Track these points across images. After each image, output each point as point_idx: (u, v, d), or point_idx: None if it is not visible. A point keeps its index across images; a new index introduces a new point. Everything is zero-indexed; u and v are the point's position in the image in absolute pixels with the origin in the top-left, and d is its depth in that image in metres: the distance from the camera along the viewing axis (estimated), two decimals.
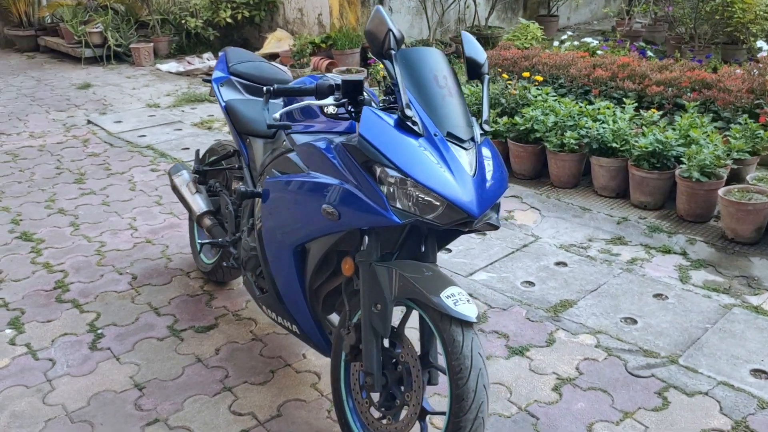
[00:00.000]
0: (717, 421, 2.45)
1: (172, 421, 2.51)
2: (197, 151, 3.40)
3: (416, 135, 1.95)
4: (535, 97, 4.76)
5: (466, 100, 2.67)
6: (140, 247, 3.85)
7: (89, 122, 6.31)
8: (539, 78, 4.96)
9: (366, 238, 2.12)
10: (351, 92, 2.15)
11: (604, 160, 4.15)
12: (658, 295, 3.23)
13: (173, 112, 6.58)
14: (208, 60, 8.48)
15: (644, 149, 3.93)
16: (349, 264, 2.21)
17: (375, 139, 1.94)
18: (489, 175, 2.02)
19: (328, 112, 2.18)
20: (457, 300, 1.96)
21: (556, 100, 4.71)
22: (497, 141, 4.56)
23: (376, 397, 2.21)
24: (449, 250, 3.69)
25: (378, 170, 1.95)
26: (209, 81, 3.17)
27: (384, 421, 2.17)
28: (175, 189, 3.22)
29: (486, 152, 2.08)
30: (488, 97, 2.19)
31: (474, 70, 2.20)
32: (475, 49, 2.20)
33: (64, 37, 8.82)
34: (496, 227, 2.11)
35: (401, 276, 2.02)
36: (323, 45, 7.65)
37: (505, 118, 4.56)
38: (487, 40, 8.12)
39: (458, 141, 1.98)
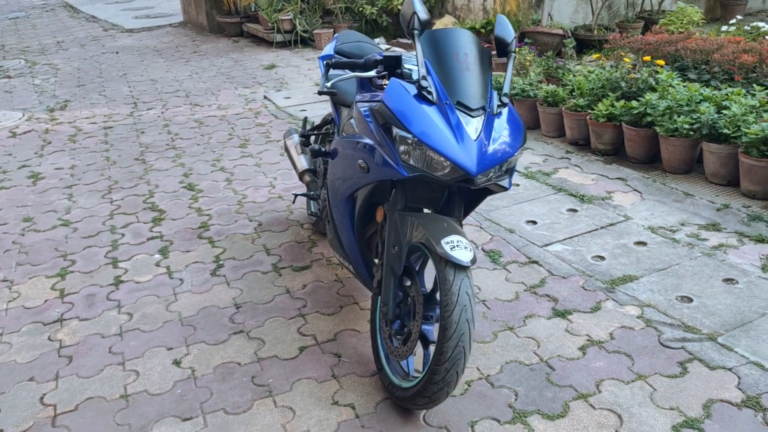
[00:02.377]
0: (729, 394, 2.49)
1: (252, 333, 3.09)
2: (305, 119, 3.96)
3: (430, 103, 2.29)
4: (665, 81, 4.70)
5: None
6: (272, 201, 4.53)
7: (265, 97, 7.23)
8: (661, 62, 4.86)
9: (394, 191, 2.51)
10: (392, 66, 2.55)
11: (714, 146, 4.06)
12: (728, 280, 3.21)
13: None
14: (379, 44, 9.14)
15: (755, 135, 3.80)
16: (381, 212, 2.62)
17: (393, 105, 2.31)
18: (495, 140, 2.30)
19: (380, 84, 2.62)
20: (455, 246, 2.28)
21: (684, 85, 4.62)
22: (611, 124, 4.60)
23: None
24: (534, 223, 3.90)
25: (394, 131, 2.32)
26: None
27: (396, 345, 2.55)
28: (286, 149, 3.80)
29: (501, 120, 2.36)
30: (511, 73, 2.46)
31: (502, 49, 2.49)
32: (505, 30, 2.49)
33: (261, 23, 9.99)
34: (504, 188, 2.40)
35: (415, 224, 2.38)
36: (482, 30, 7.93)
37: (621, 102, 4.58)
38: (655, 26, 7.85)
39: (467, 109, 2.29)
